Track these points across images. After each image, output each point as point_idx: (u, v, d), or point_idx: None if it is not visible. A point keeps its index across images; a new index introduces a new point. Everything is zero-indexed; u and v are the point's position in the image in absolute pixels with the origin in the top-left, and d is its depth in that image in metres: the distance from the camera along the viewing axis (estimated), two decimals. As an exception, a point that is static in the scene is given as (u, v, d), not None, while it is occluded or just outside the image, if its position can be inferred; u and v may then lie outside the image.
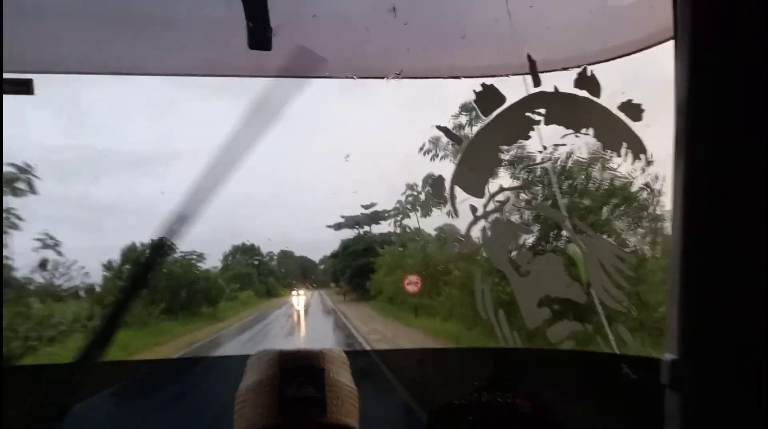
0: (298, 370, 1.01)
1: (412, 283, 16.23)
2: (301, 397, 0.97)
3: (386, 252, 20.89)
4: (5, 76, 1.33)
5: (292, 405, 0.96)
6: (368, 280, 21.55)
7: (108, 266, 16.46)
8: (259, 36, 1.46)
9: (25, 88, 1.26)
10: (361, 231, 24.59)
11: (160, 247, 1.34)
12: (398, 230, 19.52)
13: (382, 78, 1.54)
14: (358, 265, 23.25)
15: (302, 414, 0.96)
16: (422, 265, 16.49)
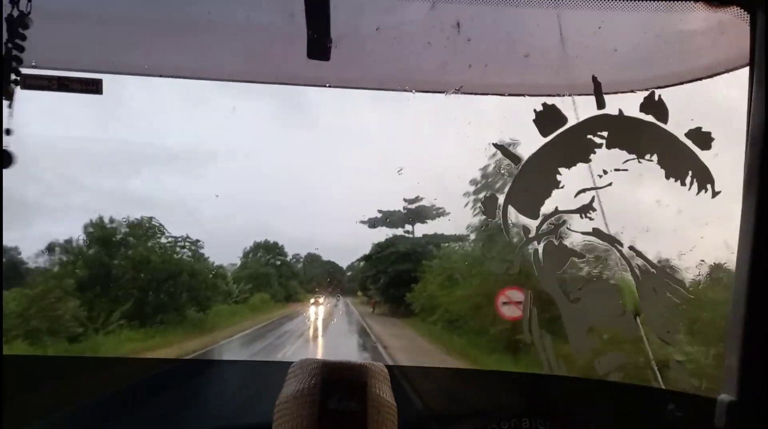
0: (341, 383, 1.00)
1: (511, 304, 9.14)
2: (342, 410, 0.97)
3: (445, 254, 15.31)
4: (76, 75, 1.37)
5: (332, 418, 0.96)
6: (408, 292, 15.93)
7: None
8: (319, 46, 1.46)
9: (94, 87, 1.30)
10: (402, 230, 19.20)
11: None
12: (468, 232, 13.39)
13: (442, 93, 1.53)
14: (397, 272, 17.71)
15: (342, 427, 0.95)
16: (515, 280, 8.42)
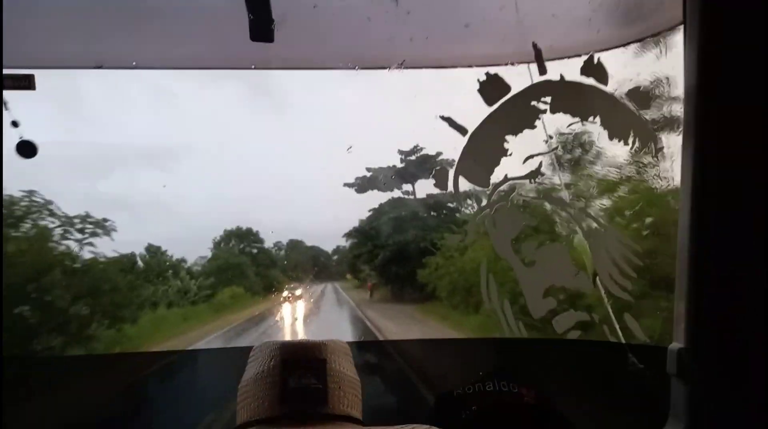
0: (300, 361, 1.02)
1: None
2: (303, 387, 0.98)
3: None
4: (5, 71, 1.33)
5: (294, 395, 0.97)
6: (420, 268, 11.80)
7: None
8: (262, 28, 1.45)
9: (26, 82, 1.27)
10: (401, 192, 13.99)
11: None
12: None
13: (385, 68, 1.53)
14: (399, 245, 13.59)
15: (304, 404, 0.97)
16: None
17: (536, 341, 1.82)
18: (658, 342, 1.70)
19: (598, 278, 1.70)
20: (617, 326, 1.77)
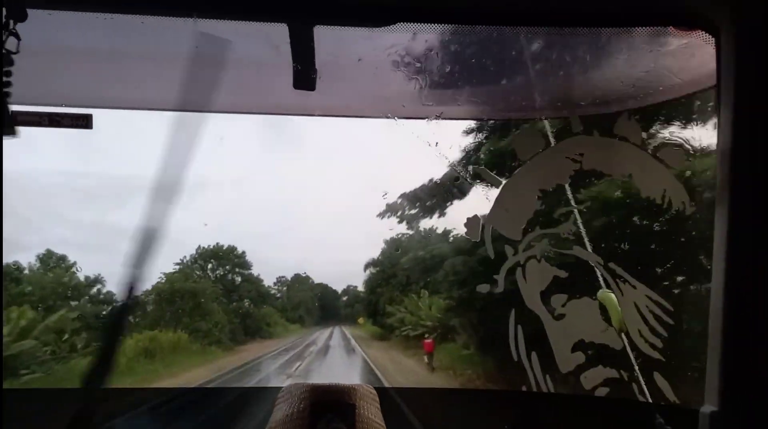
0: (330, 405, 1.02)
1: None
2: None
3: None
4: (65, 110, 1.40)
5: None
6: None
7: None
8: (304, 77, 1.51)
9: (84, 122, 1.33)
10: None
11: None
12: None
13: (423, 119, 1.57)
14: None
15: None
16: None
17: (563, 396, 1.78)
18: (689, 404, 1.66)
19: (626, 334, 1.67)
20: (644, 386, 1.73)
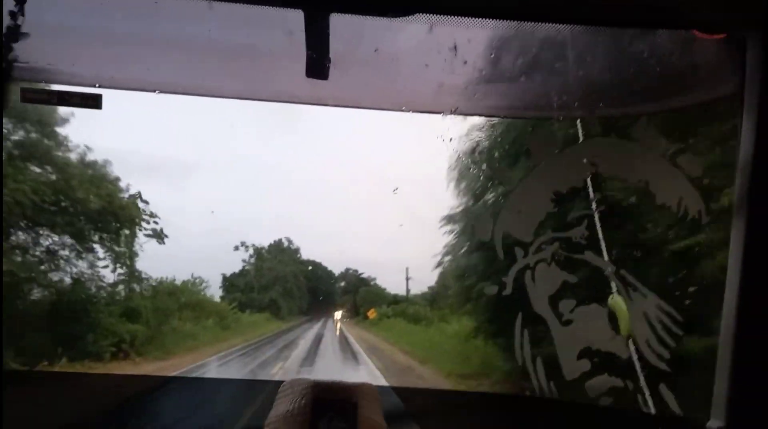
0: (331, 403, 1.00)
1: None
2: None
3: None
4: (75, 89, 1.38)
5: None
6: None
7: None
8: (318, 65, 1.48)
9: (93, 102, 1.32)
10: None
11: None
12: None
13: (438, 113, 1.54)
14: None
15: None
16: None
17: (566, 404, 1.75)
18: (694, 418, 1.63)
19: (633, 343, 1.64)
20: (648, 397, 1.70)
